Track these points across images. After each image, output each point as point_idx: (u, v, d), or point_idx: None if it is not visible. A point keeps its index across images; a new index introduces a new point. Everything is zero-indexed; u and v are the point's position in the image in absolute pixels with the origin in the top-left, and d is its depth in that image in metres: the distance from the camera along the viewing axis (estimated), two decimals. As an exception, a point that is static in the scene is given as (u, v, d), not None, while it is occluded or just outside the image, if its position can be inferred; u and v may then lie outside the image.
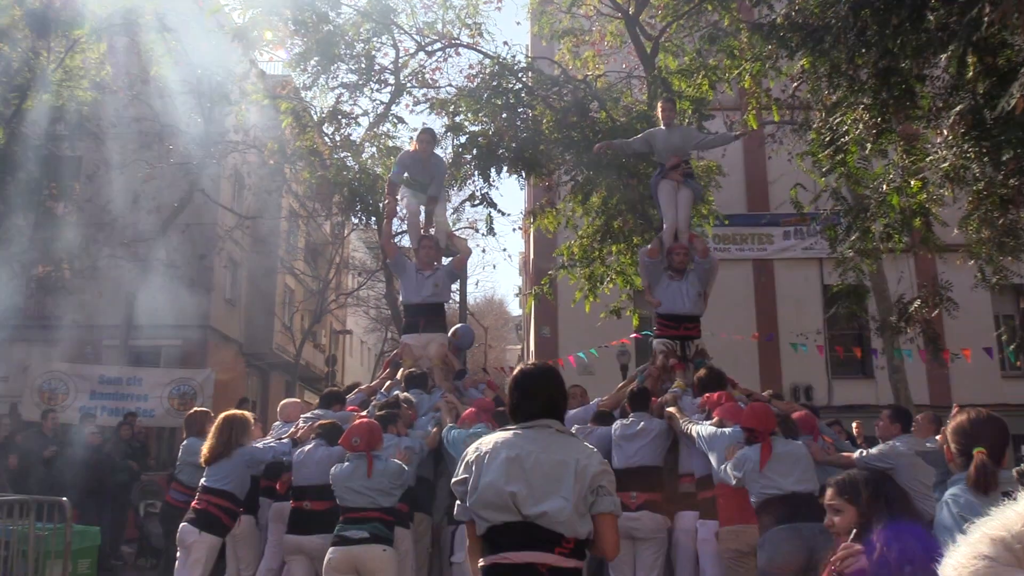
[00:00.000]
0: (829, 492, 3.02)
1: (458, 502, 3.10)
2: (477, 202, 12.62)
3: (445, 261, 8.37)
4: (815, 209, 11.02)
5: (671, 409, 6.58)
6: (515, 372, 3.22)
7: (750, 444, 5.24)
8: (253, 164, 21.55)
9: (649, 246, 8.16)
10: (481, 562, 2.96)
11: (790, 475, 5.09)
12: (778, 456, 5.18)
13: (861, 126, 7.98)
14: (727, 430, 5.77)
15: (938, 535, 2.68)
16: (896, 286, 14.08)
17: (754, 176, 22.09)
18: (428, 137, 8.51)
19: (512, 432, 3.06)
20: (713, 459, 5.72)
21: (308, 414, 7.19)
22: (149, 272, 18.16)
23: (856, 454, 6.21)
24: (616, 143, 8.69)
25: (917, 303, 10.25)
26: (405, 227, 9.45)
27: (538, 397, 3.09)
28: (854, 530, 2.80)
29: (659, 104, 8.30)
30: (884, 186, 8.18)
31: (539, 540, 2.86)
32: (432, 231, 8.42)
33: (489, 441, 3.07)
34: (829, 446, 6.43)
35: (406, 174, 8.41)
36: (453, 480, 3.12)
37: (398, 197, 8.61)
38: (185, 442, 7.86)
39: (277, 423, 7.70)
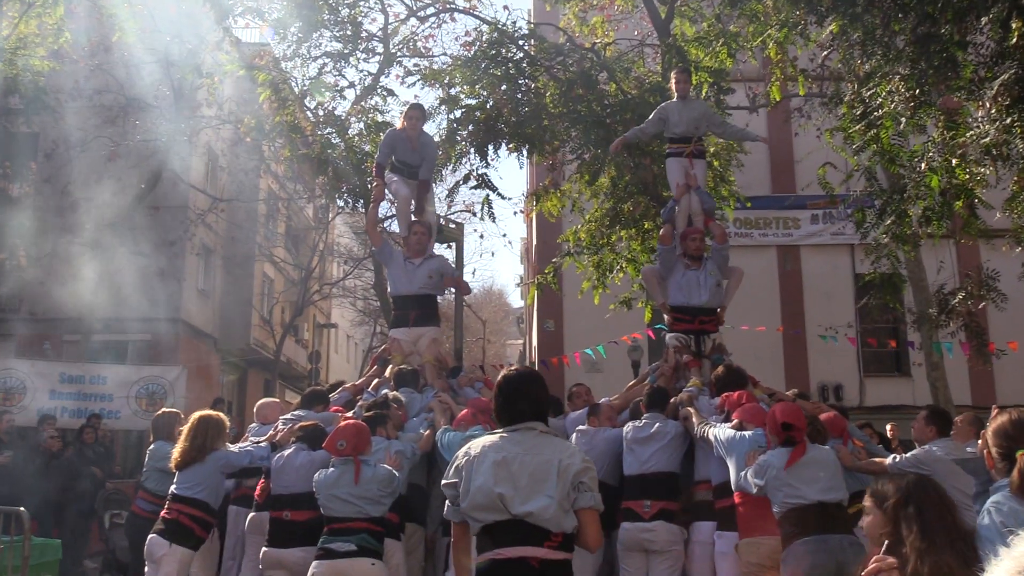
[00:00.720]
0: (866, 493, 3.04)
1: (447, 503, 3.59)
2: (474, 183, 12.61)
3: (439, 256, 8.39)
4: (846, 191, 11.00)
5: (687, 410, 6.58)
6: (499, 378, 3.64)
7: (786, 445, 5.21)
8: (228, 141, 21.55)
9: (661, 232, 8.15)
10: (477, 560, 3.44)
11: (816, 483, 5.08)
12: (804, 462, 5.17)
13: (897, 98, 7.95)
14: (747, 433, 5.77)
15: (979, 546, 2.68)
16: (935, 275, 14.06)
17: (779, 154, 22.03)
18: (417, 114, 8.48)
19: (499, 435, 3.53)
20: (732, 465, 5.72)
21: (288, 415, 7.19)
22: (114, 260, 18.16)
23: (889, 460, 6.21)
24: (630, 136, 8.61)
25: (961, 295, 10.24)
26: (393, 211, 9.45)
27: (520, 401, 3.55)
28: (886, 541, 2.80)
29: (672, 75, 8.28)
30: (923, 165, 8.15)
31: (529, 536, 3.34)
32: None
33: (477, 445, 3.52)
34: (859, 450, 6.43)
35: (393, 156, 8.40)
36: (443, 482, 3.55)
37: (387, 181, 8.60)
38: (153, 446, 7.86)
39: (254, 425, 7.71)
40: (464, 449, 3.58)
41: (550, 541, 3.36)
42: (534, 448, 3.46)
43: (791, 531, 5.05)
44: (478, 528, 3.46)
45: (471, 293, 9.04)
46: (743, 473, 5.47)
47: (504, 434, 3.53)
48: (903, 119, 8.19)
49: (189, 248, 21.79)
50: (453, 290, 9.29)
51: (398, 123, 8.79)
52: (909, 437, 8.00)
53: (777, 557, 5.21)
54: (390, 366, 7.83)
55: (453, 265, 8.57)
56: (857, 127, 8.62)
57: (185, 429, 6.49)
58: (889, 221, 8.82)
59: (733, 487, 5.75)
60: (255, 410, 7.90)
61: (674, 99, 8.29)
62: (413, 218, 8.44)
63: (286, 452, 6.30)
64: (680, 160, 8.24)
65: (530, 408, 3.55)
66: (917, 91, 7.69)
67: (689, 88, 8.23)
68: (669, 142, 8.30)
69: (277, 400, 8.51)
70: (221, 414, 6.81)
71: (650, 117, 8.42)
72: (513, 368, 3.73)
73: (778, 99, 12.41)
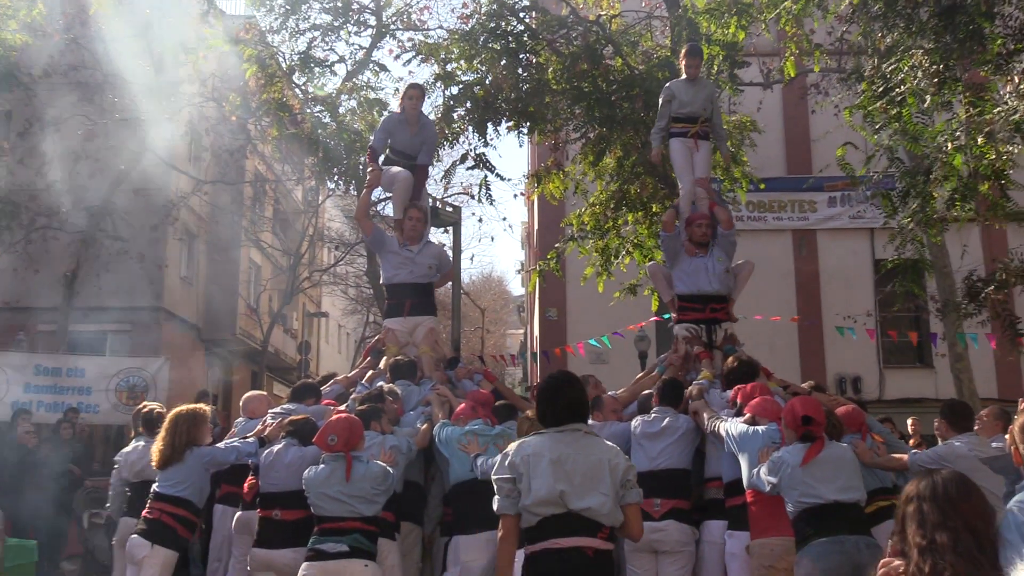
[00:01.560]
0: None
1: (498, 496, 4.11)
2: (471, 164, 12.58)
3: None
4: (867, 172, 10.98)
5: (697, 404, 6.59)
6: (540, 381, 4.31)
7: (804, 440, 5.20)
8: (212, 120, 21.47)
9: (664, 218, 8.14)
10: (530, 549, 4.06)
11: (833, 481, 5.08)
12: (820, 460, 5.17)
13: (920, 74, 7.93)
14: (760, 428, 5.77)
15: (1002, 550, 2.68)
16: (959, 260, 14.05)
17: (795, 133, 22.01)
18: (416, 93, 8.43)
19: (547, 437, 4.14)
20: (744, 461, 5.73)
21: (277, 409, 7.21)
22: (91, 246, 18.16)
23: (909, 456, 6.22)
24: (655, 134, 8.51)
25: (993, 286, 10.20)
26: (389, 194, 9.41)
27: (561, 403, 4.17)
28: (892, 540, 2.81)
29: (682, 56, 8.20)
30: (949, 144, 8.12)
31: (584, 528, 4.01)
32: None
33: (530, 446, 4.14)
34: (879, 446, 6.43)
35: (390, 142, 8.37)
36: (494, 475, 4.13)
37: (383, 166, 8.57)
38: (134, 442, 7.87)
39: (240, 419, 7.72)
40: (515, 448, 4.16)
41: (602, 533, 4.04)
42: (584, 448, 4.11)
43: (806, 531, 5.06)
44: (534, 521, 4.05)
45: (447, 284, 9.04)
46: (756, 470, 5.47)
47: (552, 435, 4.14)
48: (927, 96, 8.16)
49: (171, 233, 21.75)
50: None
51: (393, 103, 8.77)
52: (931, 432, 8.01)
53: (791, 559, 5.22)
54: (384, 357, 7.84)
55: (449, 253, 8.53)
56: (878, 105, 8.59)
57: (165, 424, 6.50)
58: (915, 205, 8.79)
59: (745, 485, 5.75)
60: (241, 404, 7.91)
61: (682, 77, 8.26)
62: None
63: (275, 448, 6.31)
64: (684, 141, 8.21)
65: (571, 410, 4.18)
66: (941, 66, 7.67)
67: (699, 71, 8.17)
68: (673, 121, 8.26)
69: (264, 393, 8.52)
70: (203, 406, 6.82)
71: (660, 105, 8.37)
72: (556, 372, 4.40)
73: (793, 75, 12.37)
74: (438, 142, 12.26)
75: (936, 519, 2.61)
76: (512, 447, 4.19)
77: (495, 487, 4.14)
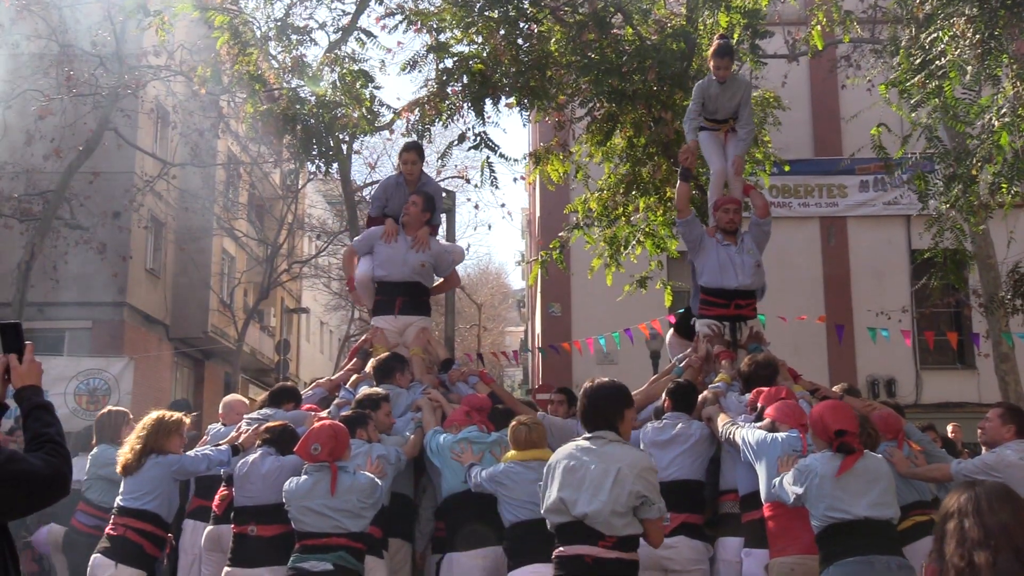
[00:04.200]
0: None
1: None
2: (472, 144, 12.53)
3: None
4: (905, 154, 10.95)
5: (711, 409, 6.57)
6: (584, 387, 4.81)
7: (841, 451, 5.15)
8: (180, 96, 21.44)
9: (677, 199, 8.06)
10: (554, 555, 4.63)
11: (864, 496, 5.04)
12: (852, 471, 5.13)
13: (962, 44, 7.90)
14: (780, 436, 5.75)
15: None
16: (1005, 251, 14.04)
17: (823, 111, 22.00)
18: (412, 156, 8.36)
19: (575, 443, 4.69)
20: (761, 471, 5.71)
21: (253, 414, 7.20)
22: (47, 235, 18.14)
23: (953, 465, 6.20)
24: (688, 126, 8.40)
25: None
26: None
27: (594, 410, 4.67)
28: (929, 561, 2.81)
29: (711, 58, 8.11)
30: (995, 121, 8.09)
31: (587, 536, 4.44)
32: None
33: (559, 452, 4.71)
34: (917, 455, 6.43)
35: (388, 205, 8.33)
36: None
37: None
38: (95, 450, 7.87)
39: (214, 426, 7.71)
40: (554, 455, 4.75)
41: (604, 541, 4.41)
42: (600, 455, 4.52)
43: (832, 549, 5.04)
44: (552, 529, 4.62)
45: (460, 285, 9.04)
46: (778, 480, 5.44)
47: (581, 442, 4.66)
48: (969, 68, 8.14)
49: (135, 221, 21.75)
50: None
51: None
52: (973, 439, 7.99)
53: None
54: (371, 359, 7.82)
55: (449, 252, 8.50)
56: (916, 79, 8.57)
57: (135, 430, 6.51)
58: (956, 189, 8.76)
59: (763, 497, 5.74)
60: (220, 409, 7.90)
61: (709, 76, 8.16)
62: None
63: (250, 457, 6.31)
64: (714, 134, 8.20)
65: (600, 418, 4.64)
66: (986, 35, 7.64)
67: (729, 73, 8.10)
68: (705, 119, 8.24)
69: (242, 397, 8.51)
70: (178, 414, 6.83)
71: (692, 102, 8.30)
72: (599, 380, 4.80)
73: (821, 47, 12.33)
74: (431, 119, 12.22)
75: (978, 536, 2.60)
76: (552, 457, 4.78)
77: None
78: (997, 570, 2.52)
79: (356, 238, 8.70)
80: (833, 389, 7.68)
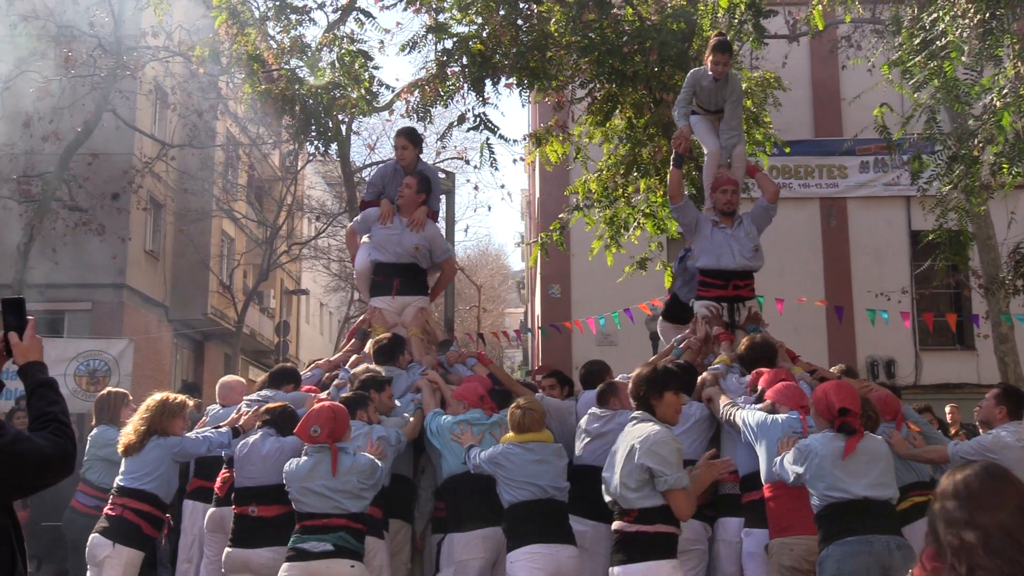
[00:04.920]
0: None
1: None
2: (472, 125, 12.50)
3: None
4: (906, 135, 10.92)
5: (711, 390, 6.58)
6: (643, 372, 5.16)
7: (842, 432, 5.16)
8: (179, 77, 21.38)
9: (669, 184, 8.02)
10: None
11: (864, 476, 5.07)
12: (852, 452, 5.17)
13: (963, 24, 7.87)
14: (780, 417, 5.77)
15: None
16: (1005, 231, 14.03)
17: (824, 92, 21.92)
18: (403, 141, 8.29)
19: (624, 427, 5.08)
20: (761, 452, 5.74)
21: (252, 396, 7.21)
22: (46, 217, 18.11)
23: (950, 446, 6.22)
24: (678, 114, 8.30)
25: None
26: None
27: (633, 396, 5.10)
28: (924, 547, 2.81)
29: (708, 54, 8.04)
30: (996, 102, 8.06)
31: (619, 512, 4.91)
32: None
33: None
34: (916, 436, 6.44)
35: (385, 192, 8.29)
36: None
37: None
38: (95, 431, 7.89)
39: (213, 407, 7.73)
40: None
41: (628, 516, 4.80)
42: (628, 435, 4.91)
43: (831, 529, 5.07)
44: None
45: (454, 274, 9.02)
46: (778, 459, 5.47)
47: (626, 426, 5.04)
48: (970, 48, 8.11)
49: (135, 202, 21.71)
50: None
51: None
52: (972, 420, 8.01)
53: (814, 559, 5.23)
54: (371, 340, 7.82)
55: (443, 227, 8.49)
56: (917, 59, 8.54)
57: (139, 411, 6.52)
58: (958, 171, 8.74)
59: (763, 478, 5.77)
60: (217, 390, 7.91)
61: (705, 67, 8.08)
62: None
63: (251, 439, 6.32)
64: (705, 117, 8.15)
65: (640, 401, 5.01)
66: (987, 15, 7.61)
67: (727, 70, 8.04)
68: (697, 105, 8.19)
69: (240, 378, 8.51)
70: (182, 396, 6.85)
71: (683, 91, 8.23)
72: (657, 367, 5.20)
73: (822, 27, 12.29)
74: (430, 101, 12.18)
75: (962, 517, 2.60)
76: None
77: None
78: (990, 548, 2.53)
79: (356, 218, 8.69)
80: (831, 370, 7.69)
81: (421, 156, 8.68)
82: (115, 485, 6.42)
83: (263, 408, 6.53)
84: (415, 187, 8.04)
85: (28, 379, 3.25)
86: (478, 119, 12.22)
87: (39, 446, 3.05)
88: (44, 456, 3.05)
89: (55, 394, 3.25)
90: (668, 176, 8.05)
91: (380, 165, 8.87)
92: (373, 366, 7.08)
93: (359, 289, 8.72)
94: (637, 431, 4.84)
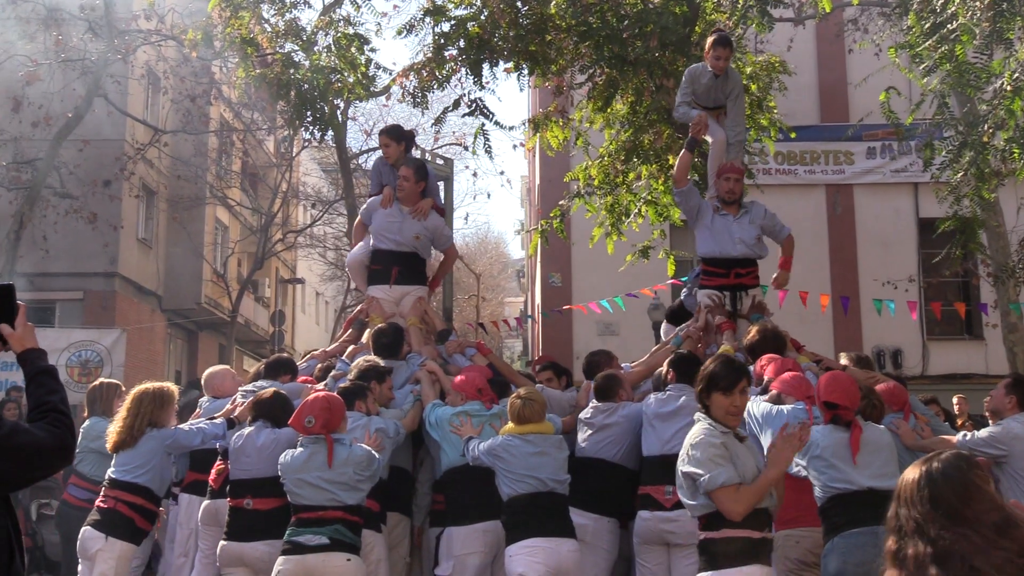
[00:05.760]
0: None
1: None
2: (468, 110, 12.47)
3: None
4: (915, 121, 10.88)
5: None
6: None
7: (835, 423, 5.20)
8: (171, 61, 21.33)
9: (676, 169, 8.00)
10: None
11: (868, 467, 5.09)
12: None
13: (975, 6, 7.84)
14: (786, 408, 5.76)
15: None
16: (1014, 219, 14.02)
17: (830, 76, 21.87)
18: (387, 140, 8.35)
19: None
20: (766, 443, 5.73)
21: (248, 386, 7.20)
22: (37, 204, 18.08)
23: (959, 437, 6.22)
24: (679, 110, 8.30)
25: None
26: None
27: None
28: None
29: (709, 48, 8.00)
30: (1007, 86, 8.04)
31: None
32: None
33: None
34: (923, 427, 6.44)
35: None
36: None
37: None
38: (87, 423, 7.89)
39: (203, 399, 7.72)
40: None
41: (700, 523, 4.63)
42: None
43: (835, 522, 5.08)
44: None
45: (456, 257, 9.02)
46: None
47: None
48: (977, 30, 8.08)
49: (127, 189, 21.70)
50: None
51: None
52: (980, 411, 7.99)
53: (820, 551, 5.25)
54: (367, 330, 7.81)
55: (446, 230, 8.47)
56: (927, 43, 8.50)
57: (126, 403, 6.51)
58: (968, 157, 8.71)
59: (768, 469, 5.76)
60: (203, 381, 7.89)
61: (704, 64, 8.05)
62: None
63: (245, 430, 6.31)
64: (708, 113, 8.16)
65: (698, 400, 4.85)
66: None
67: (727, 65, 8.02)
68: (694, 102, 8.16)
69: (228, 367, 8.48)
70: (170, 384, 6.84)
71: (682, 87, 8.21)
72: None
73: (828, 10, 12.24)
74: (427, 84, 12.15)
75: (925, 513, 2.63)
76: None
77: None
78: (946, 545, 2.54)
79: (362, 208, 8.71)
80: (842, 359, 7.68)
81: (411, 152, 8.69)
82: (107, 477, 6.42)
83: (253, 400, 6.52)
84: (413, 178, 8.01)
85: (27, 366, 3.24)
86: (473, 104, 12.20)
87: (38, 438, 3.04)
88: (43, 448, 3.04)
89: (55, 382, 3.24)
90: (678, 159, 8.01)
91: (377, 158, 8.84)
92: (372, 357, 7.06)
93: (353, 279, 8.73)
94: (689, 432, 4.76)
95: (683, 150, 7.96)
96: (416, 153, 9.25)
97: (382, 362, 6.95)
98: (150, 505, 6.38)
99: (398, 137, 8.57)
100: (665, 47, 11.21)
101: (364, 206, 8.54)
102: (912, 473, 2.71)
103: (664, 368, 6.81)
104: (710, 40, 8.02)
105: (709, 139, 8.18)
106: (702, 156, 10.45)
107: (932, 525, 2.57)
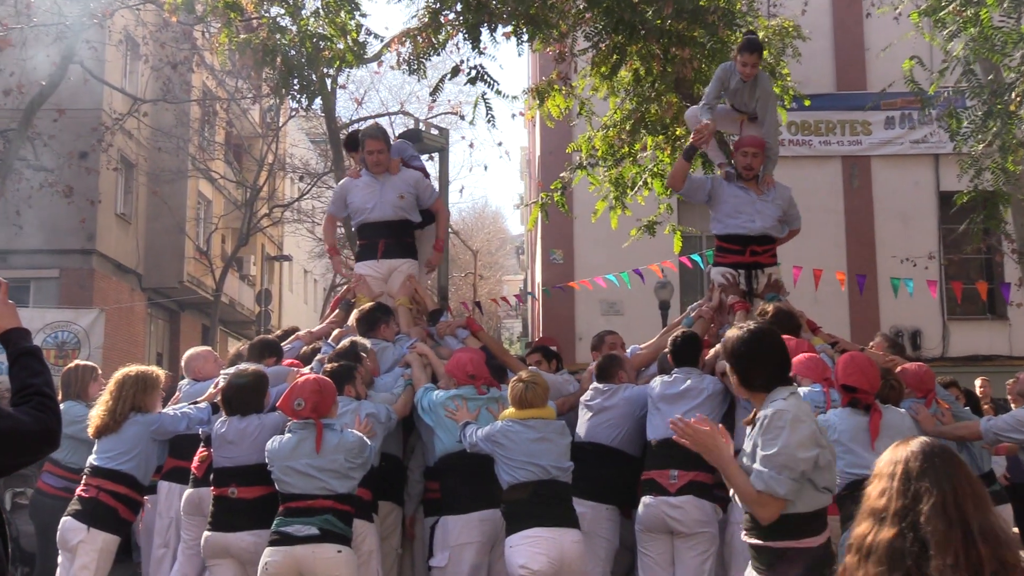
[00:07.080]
0: None
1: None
2: (468, 77, 12.41)
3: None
4: (938, 89, 10.82)
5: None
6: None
7: (852, 408, 5.20)
8: (151, 26, 21.24)
9: (673, 169, 8.00)
10: None
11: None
12: (871, 426, 5.19)
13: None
14: (803, 390, 5.77)
15: None
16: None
17: (846, 42, 21.80)
18: (375, 145, 8.02)
19: None
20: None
21: (231, 369, 7.18)
22: (9, 177, 18.03)
23: (982, 422, 6.22)
24: (703, 112, 8.24)
25: None
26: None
27: None
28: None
29: (738, 55, 7.93)
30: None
31: None
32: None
33: None
34: (944, 412, 6.44)
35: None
36: None
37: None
38: (63, 407, 7.85)
39: (184, 382, 7.71)
40: None
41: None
42: None
43: (852, 509, 5.05)
44: None
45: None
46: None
47: None
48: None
49: (104, 162, 21.64)
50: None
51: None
52: (1004, 394, 8.01)
53: (835, 541, 5.25)
54: (355, 310, 7.78)
55: (436, 184, 8.43)
56: (951, 7, 8.45)
57: (108, 387, 6.50)
58: (994, 128, 8.68)
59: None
60: (184, 363, 7.88)
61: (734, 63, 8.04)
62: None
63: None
64: (733, 112, 8.20)
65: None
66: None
67: (756, 72, 7.99)
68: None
69: (209, 349, 8.47)
70: (155, 368, 6.83)
71: (713, 82, 8.18)
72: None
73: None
74: (424, 51, 12.09)
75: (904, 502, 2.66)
76: None
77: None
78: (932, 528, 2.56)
79: (329, 201, 8.70)
80: (874, 339, 7.71)
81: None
82: (89, 465, 6.41)
83: (217, 392, 6.47)
84: (385, 148, 7.99)
85: (9, 347, 3.22)
86: (474, 71, 12.13)
87: (21, 422, 3.02)
88: (27, 433, 3.02)
89: (39, 363, 3.22)
90: (674, 166, 8.06)
91: (340, 183, 8.76)
92: (357, 338, 7.05)
93: (325, 240, 8.79)
94: None
95: (681, 159, 7.94)
96: (410, 123, 9.22)
97: (361, 339, 6.92)
98: (134, 494, 6.38)
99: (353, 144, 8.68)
100: (680, 16, 11.11)
101: (331, 198, 8.52)
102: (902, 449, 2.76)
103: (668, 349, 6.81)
104: (738, 45, 8.09)
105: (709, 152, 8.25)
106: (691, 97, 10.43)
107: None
